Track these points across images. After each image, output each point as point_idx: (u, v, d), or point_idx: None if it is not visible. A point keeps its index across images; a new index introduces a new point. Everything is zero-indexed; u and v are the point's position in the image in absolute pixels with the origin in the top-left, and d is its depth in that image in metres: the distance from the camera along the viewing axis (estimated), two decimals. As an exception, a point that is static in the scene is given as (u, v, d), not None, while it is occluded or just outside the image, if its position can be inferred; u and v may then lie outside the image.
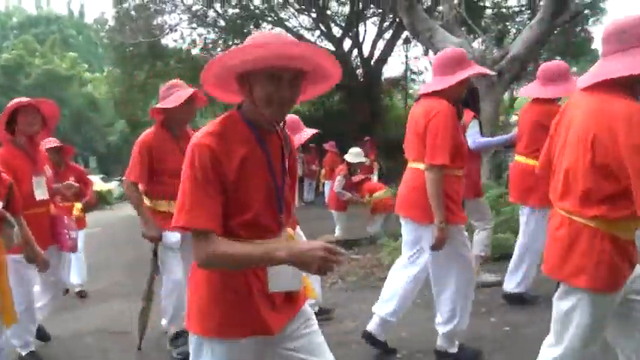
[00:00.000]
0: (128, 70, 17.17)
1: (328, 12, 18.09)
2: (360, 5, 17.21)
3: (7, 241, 2.94)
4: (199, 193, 1.61)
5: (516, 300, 4.13)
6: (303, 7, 17.68)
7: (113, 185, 26.15)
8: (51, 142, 5.09)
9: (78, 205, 5.62)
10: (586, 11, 15.73)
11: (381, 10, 16.54)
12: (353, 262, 6.56)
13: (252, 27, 17.47)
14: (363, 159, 7.99)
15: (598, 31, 20.06)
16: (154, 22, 16.60)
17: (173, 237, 3.60)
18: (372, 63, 18.13)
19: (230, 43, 17.91)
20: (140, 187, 3.64)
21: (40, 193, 3.57)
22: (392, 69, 40.36)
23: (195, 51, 17.69)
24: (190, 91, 3.51)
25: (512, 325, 3.76)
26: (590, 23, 17.14)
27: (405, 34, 15.69)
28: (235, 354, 1.74)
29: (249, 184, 1.68)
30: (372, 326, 3.39)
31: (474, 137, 4.27)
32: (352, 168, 7.75)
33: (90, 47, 44.31)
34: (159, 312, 3.95)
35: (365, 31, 18.72)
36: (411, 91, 21.02)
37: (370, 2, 15.98)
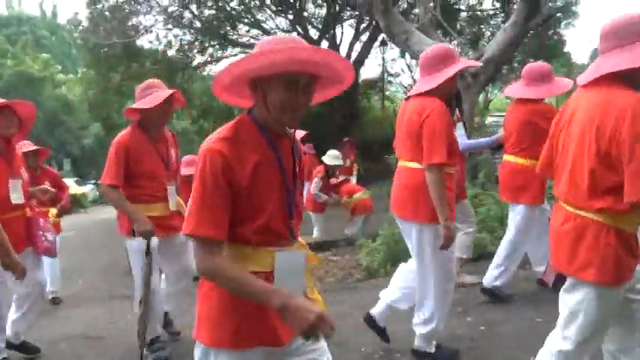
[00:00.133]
0: (103, 71, 16.92)
1: (305, 14, 18.12)
2: (337, 8, 17.26)
3: None
4: (207, 201, 1.59)
5: (492, 295, 4.16)
6: (280, 8, 17.67)
7: (88, 189, 25.81)
8: (26, 144, 4.99)
9: (53, 211, 5.52)
10: (558, 15, 16.03)
11: (357, 13, 16.61)
12: (331, 263, 6.57)
13: (228, 28, 17.39)
14: (340, 162, 8.01)
15: (570, 35, 20.39)
16: (129, 23, 16.39)
17: (151, 242, 3.50)
18: (349, 65, 18.17)
19: (206, 44, 17.81)
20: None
21: (17, 197, 3.47)
22: (369, 71, 40.67)
23: (171, 52, 17.53)
24: (169, 91, 3.45)
25: (489, 324, 3.80)
26: (563, 26, 17.47)
27: (382, 36, 15.81)
28: None
29: (262, 190, 1.66)
30: (376, 310, 3.45)
31: (461, 139, 4.31)
32: (330, 170, 7.76)
33: (63, 48, 43.65)
34: (133, 316, 3.90)
35: (342, 33, 18.86)
36: (387, 93, 21.18)
37: (346, 5, 16.03)
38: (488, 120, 14.33)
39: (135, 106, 3.47)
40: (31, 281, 3.61)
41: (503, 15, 16.32)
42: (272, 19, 18.45)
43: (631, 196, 1.92)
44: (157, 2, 16.34)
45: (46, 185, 4.45)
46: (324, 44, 18.24)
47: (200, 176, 1.61)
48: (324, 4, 17.75)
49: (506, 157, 4.18)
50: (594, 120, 2.01)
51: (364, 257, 6.11)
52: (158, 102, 3.36)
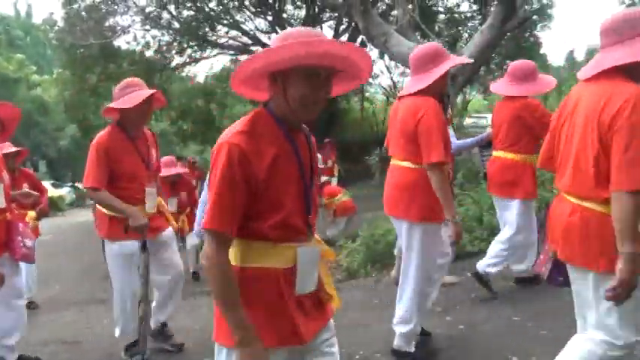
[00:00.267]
0: (79, 72, 16.66)
1: (284, 15, 18.09)
2: (316, 9, 17.28)
3: None
4: (224, 195, 1.57)
5: (480, 280, 4.22)
6: (259, 9, 17.62)
7: (64, 191, 25.41)
8: (6, 146, 4.86)
9: (31, 214, 5.41)
10: (534, 17, 16.27)
11: (336, 14, 16.65)
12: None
13: (207, 29, 17.29)
14: (320, 164, 8.02)
15: (546, 37, 20.75)
16: (106, 24, 16.19)
17: (131, 246, 3.45)
18: (328, 66, 18.20)
19: (185, 45, 17.67)
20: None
21: None
22: (348, 72, 40.70)
23: (149, 53, 17.36)
24: (149, 91, 3.38)
25: (468, 323, 3.84)
26: (539, 29, 17.72)
27: (361, 37, 15.85)
28: None
29: (280, 184, 1.64)
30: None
31: (451, 139, 4.36)
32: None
33: (38, 49, 42.93)
34: (110, 321, 3.85)
35: (321, 34, 18.81)
36: (367, 94, 21.26)
37: (325, 6, 16.06)
38: (467, 121, 14.48)
39: (114, 105, 3.39)
40: (9, 288, 3.49)
41: (480, 17, 16.50)
42: (251, 20, 18.40)
43: (622, 185, 1.94)
44: (135, 2, 16.17)
45: (25, 188, 4.35)
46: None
47: (217, 170, 1.59)
48: (304, 5, 17.75)
49: (496, 154, 4.22)
50: (596, 110, 2.04)
51: (344, 258, 6.13)
52: (138, 102, 3.29)
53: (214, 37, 18.04)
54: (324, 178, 8.27)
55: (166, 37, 17.48)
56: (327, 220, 7.89)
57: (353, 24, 15.26)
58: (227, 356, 1.68)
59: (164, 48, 17.39)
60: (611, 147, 1.99)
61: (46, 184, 20.74)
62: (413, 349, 3.27)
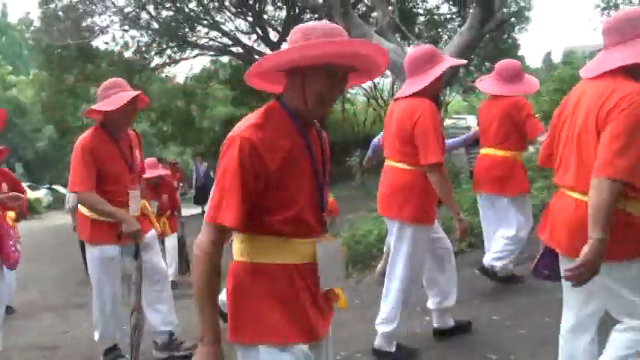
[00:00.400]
0: (56, 73, 16.44)
1: (265, 16, 18.06)
2: (297, 10, 17.28)
3: None
4: (230, 189, 1.55)
5: (488, 274, 4.27)
6: (240, 10, 17.56)
7: (42, 194, 24.99)
8: None
9: (11, 214, 5.29)
10: (512, 19, 16.50)
11: (317, 16, 16.66)
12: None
13: (187, 30, 17.17)
14: None
15: (524, 39, 21.04)
16: (84, 24, 15.99)
17: (112, 250, 3.40)
18: (309, 67, 18.23)
19: (164, 46, 17.54)
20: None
21: None
22: (329, 73, 40.82)
23: (128, 54, 17.19)
24: (133, 93, 3.31)
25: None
26: (517, 31, 18.00)
27: (342, 39, 15.87)
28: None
29: (292, 179, 1.62)
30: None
31: None
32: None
33: (14, 48, 42.16)
34: (89, 325, 3.80)
35: (302, 35, 18.82)
36: (347, 96, 21.31)
37: (306, 7, 16.06)
38: (447, 122, 14.61)
39: (97, 107, 3.31)
40: None
41: (459, 19, 16.67)
42: (231, 20, 18.33)
43: (606, 172, 1.96)
44: (113, 3, 16.00)
45: (4, 188, 4.25)
46: (284, 46, 18.23)
47: (226, 164, 1.57)
48: (284, 6, 17.73)
49: (485, 151, 4.26)
50: (596, 106, 2.08)
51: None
52: (122, 104, 3.22)
53: (194, 38, 17.93)
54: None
55: (145, 38, 17.34)
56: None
57: (333, 25, 15.26)
58: (246, 354, 1.66)
59: (143, 48, 17.25)
60: (602, 136, 2.03)
61: (23, 186, 20.42)
62: (393, 349, 3.29)
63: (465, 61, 3.90)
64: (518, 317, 3.78)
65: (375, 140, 5.08)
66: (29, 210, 19.34)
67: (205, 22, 17.47)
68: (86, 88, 16.63)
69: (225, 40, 18.10)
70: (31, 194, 22.17)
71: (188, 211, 11.76)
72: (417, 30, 17.00)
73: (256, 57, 18.24)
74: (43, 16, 15.90)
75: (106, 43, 17.51)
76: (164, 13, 16.81)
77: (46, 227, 15.76)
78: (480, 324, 3.77)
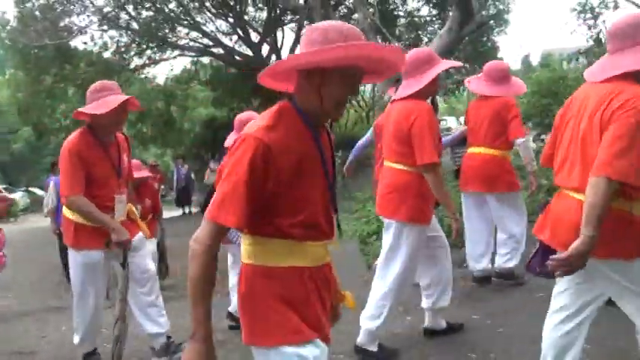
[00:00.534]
0: (33, 73, 16.14)
1: (246, 17, 18.00)
2: (278, 11, 17.26)
3: None
4: (237, 189, 1.52)
5: (509, 277, 4.37)
6: (220, 11, 17.48)
7: (18, 196, 24.55)
8: None
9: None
10: (491, 22, 16.69)
11: (298, 17, 16.67)
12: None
13: (167, 30, 17.04)
14: None
15: (502, 41, 21.30)
16: (61, 24, 15.76)
17: (96, 256, 3.35)
18: (290, 69, 18.22)
19: (144, 46, 17.37)
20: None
21: None
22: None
23: (107, 54, 16.98)
24: (124, 97, 3.25)
25: (428, 322, 3.88)
26: (495, 34, 18.20)
27: (323, 40, 15.90)
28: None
29: (304, 181, 1.60)
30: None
31: None
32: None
33: (-11, 49, 41.40)
34: (67, 329, 3.74)
35: (283, 36, 18.83)
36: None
37: (287, 9, 16.06)
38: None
39: (86, 110, 3.25)
40: None
41: (439, 22, 16.81)
42: (212, 21, 18.25)
43: (605, 172, 2.00)
44: (92, 2, 15.81)
45: None
46: (265, 48, 18.21)
47: (235, 163, 1.54)
48: (265, 7, 17.70)
49: (475, 150, 4.32)
50: (600, 109, 2.11)
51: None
52: (111, 107, 3.16)
53: (174, 39, 17.80)
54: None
55: (125, 38, 17.15)
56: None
57: (314, 27, 15.30)
58: (265, 357, 1.64)
59: (122, 49, 17.06)
60: (604, 136, 2.06)
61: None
62: (375, 349, 3.30)
63: (460, 64, 4.01)
64: (498, 316, 3.82)
65: (359, 143, 5.10)
66: (6, 213, 19.05)
67: (186, 22, 17.36)
68: (64, 89, 16.38)
69: (205, 40, 18.00)
70: (7, 197, 21.80)
71: (169, 213, 11.67)
72: (397, 32, 17.10)
73: (237, 58, 18.21)
74: (20, 16, 15.62)
75: (85, 43, 17.29)
76: (144, 14, 16.65)
77: (23, 230, 15.49)
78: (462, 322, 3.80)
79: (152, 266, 3.62)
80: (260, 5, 18.15)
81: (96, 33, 16.63)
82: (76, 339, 3.56)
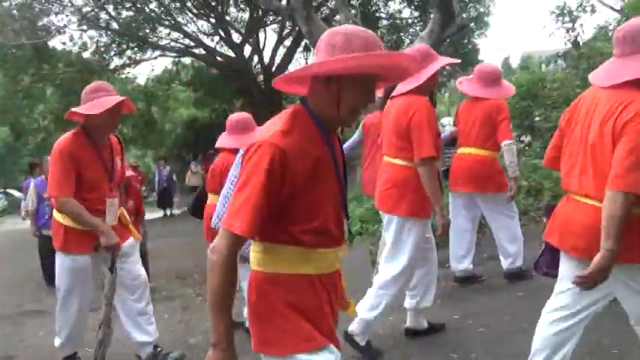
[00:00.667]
0: (11, 73, 15.86)
1: (227, 18, 17.92)
2: (260, 12, 17.22)
3: None
4: (253, 197, 1.49)
5: (519, 276, 4.42)
6: (202, 12, 17.38)
7: (-5, 198, 24.15)
8: None
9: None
10: (472, 25, 16.85)
11: (280, 18, 16.66)
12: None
13: (147, 31, 16.89)
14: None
15: (483, 44, 21.54)
16: (40, 23, 15.51)
17: (84, 260, 3.30)
18: (273, 70, 18.19)
19: (124, 46, 17.19)
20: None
21: None
22: (293, 76, 41.01)
23: (86, 54, 16.77)
24: (118, 98, 3.21)
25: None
26: (476, 36, 18.38)
27: (305, 41, 15.93)
28: None
29: (319, 187, 1.58)
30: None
31: None
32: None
33: (-35, 48, 40.66)
34: (46, 333, 3.69)
35: (265, 37, 18.77)
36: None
37: (269, 10, 16.03)
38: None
39: (80, 110, 3.21)
40: None
41: (421, 24, 16.91)
42: (193, 22, 18.12)
43: (619, 186, 2.02)
44: (70, 2, 15.59)
45: None
46: (247, 49, 18.16)
47: (251, 170, 1.51)
48: (247, 8, 17.64)
49: (466, 150, 4.37)
50: (612, 118, 2.11)
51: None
52: (105, 108, 3.12)
53: (155, 39, 17.64)
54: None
55: (104, 38, 16.94)
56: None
57: (297, 27, 15.31)
58: None
59: (102, 49, 16.85)
60: (616, 148, 2.07)
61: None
62: (363, 343, 3.30)
63: (458, 61, 4.09)
64: (479, 316, 3.85)
65: (347, 145, 5.10)
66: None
67: (167, 23, 17.21)
68: (42, 89, 16.15)
69: (187, 41, 17.87)
70: (-17, 199, 21.42)
71: (150, 215, 11.56)
72: (379, 33, 17.15)
73: (218, 59, 18.12)
74: (-3, 15, 15.37)
75: (63, 43, 17.03)
76: (124, 13, 16.47)
77: (0, 232, 15.22)
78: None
79: (143, 272, 3.55)
80: (242, 6, 18.08)
81: (75, 33, 16.41)
82: (57, 342, 3.51)
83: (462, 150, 4.42)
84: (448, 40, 12.40)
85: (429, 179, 3.14)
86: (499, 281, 4.55)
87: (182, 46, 18.01)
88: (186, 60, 19.76)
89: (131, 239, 3.50)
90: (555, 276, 2.45)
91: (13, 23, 14.87)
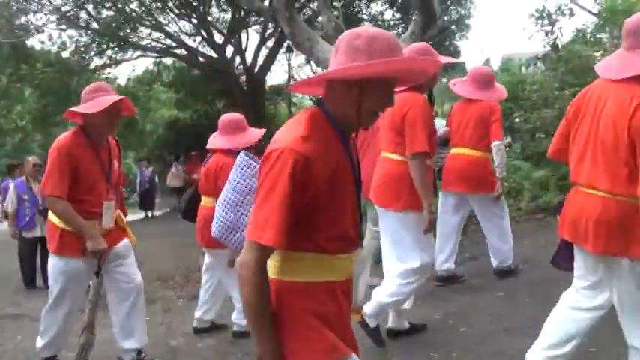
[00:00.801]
0: (-13, 73, 15.65)
1: (209, 18, 17.83)
2: (242, 13, 17.16)
3: None
4: (279, 208, 1.45)
5: (509, 273, 4.53)
6: (184, 12, 17.27)
7: (-29, 199, 23.70)
8: None
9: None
10: (453, 27, 17.00)
11: (262, 19, 16.62)
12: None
13: (128, 31, 16.73)
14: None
15: (464, 46, 21.74)
16: (17, 22, 15.28)
17: (78, 263, 3.24)
18: (255, 70, 18.14)
19: (105, 46, 17.01)
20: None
21: None
22: (275, 77, 40.92)
23: (66, 54, 16.55)
24: (116, 97, 3.16)
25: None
26: (458, 38, 18.56)
27: (288, 42, 15.92)
28: None
29: (340, 192, 1.56)
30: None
31: None
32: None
33: (-59, 47, 39.88)
34: (25, 336, 3.63)
35: (247, 38, 18.71)
36: (294, 99, 21.34)
37: (251, 10, 15.99)
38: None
39: (78, 109, 3.17)
40: None
41: (403, 26, 17.02)
42: (175, 22, 17.99)
43: None
44: (49, 1, 15.38)
45: None
46: (230, 49, 18.09)
47: (274, 179, 1.46)
48: (229, 8, 17.57)
49: (459, 151, 4.43)
50: (627, 113, 2.12)
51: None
52: (104, 107, 3.08)
53: (136, 39, 17.48)
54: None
55: (84, 38, 16.75)
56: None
57: (280, 28, 15.30)
58: None
59: (82, 49, 16.64)
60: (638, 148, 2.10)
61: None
62: (374, 325, 3.37)
63: (457, 60, 4.17)
64: (460, 316, 3.89)
65: None
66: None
67: (148, 23, 17.06)
68: (20, 89, 15.91)
69: (168, 41, 17.73)
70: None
71: (132, 216, 11.43)
72: (361, 35, 17.18)
73: (200, 59, 18.02)
74: (-27, 13, 15.11)
75: (42, 42, 16.81)
76: (104, 13, 16.30)
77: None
78: (422, 323, 3.85)
79: (139, 275, 3.50)
80: (224, 6, 18.01)
81: (54, 32, 16.19)
82: (40, 342, 3.46)
83: (455, 150, 4.47)
84: (429, 42, 12.48)
85: (419, 174, 3.18)
86: (480, 281, 4.59)
87: (163, 47, 17.87)
88: (168, 60, 19.63)
89: (126, 241, 3.46)
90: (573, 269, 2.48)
91: (-10, 22, 14.64)
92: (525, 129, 7.58)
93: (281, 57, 18.93)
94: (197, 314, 4.24)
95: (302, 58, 18.92)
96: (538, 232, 5.80)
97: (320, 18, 10.80)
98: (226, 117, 3.93)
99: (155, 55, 18.30)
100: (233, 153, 3.74)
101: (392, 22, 18.46)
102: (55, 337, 3.42)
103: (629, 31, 2.22)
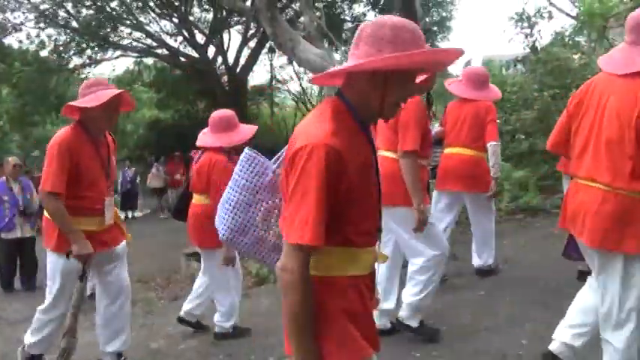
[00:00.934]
0: (-36, 72, 15.37)
1: (191, 18, 17.74)
2: (224, 13, 17.10)
3: None
4: (317, 206, 1.40)
5: (490, 273, 4.58)
6: (165, 12, 17.15)
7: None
8: None
9: None
10: (435, 29, 17.15)
11: (244, 19, 16.58)
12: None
13: (109, 30, 16.56)
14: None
15: (445, 47, 21.99)
16: (-5, 20, 15.06)
17: (78, 264, 3.17)
18: (237, 70, 18.09)
19: (84, 45, 16.82)
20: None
21: None
22: (258, 77, 40.82)
23: (44, 53, 16.33)
24: (114, 91, 3.11)
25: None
26: (439, 40, 18.70)
27: (270, 43, 15.89)
28: None
29: (366, 185, 1.53)
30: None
31: None
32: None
33: None
34: (6, 339, 3.57)
35: (229, 38, 18.67)
36: (276, 100, 21.34)
37: (233, 10, 15.93)
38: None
39: (77, 103, 3.11)
40: None
41: (385, 27, 17.07)
42: (156, 22, 17.87)
43: None
44: (28, -1, 15.18)
45: None
46: (211, 49, 18.01)
47: (308, 176, 1.41)
48: (211, 8, 17.50)
49: (454, 150, 4.43)
50: (632, 109, 2.13)
51: (253, 265, 6.09)
52: (103, 101, 3.03)
53: (116, 38, 17.32)
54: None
55: (63, 37, 16.55)
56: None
57: (262, 29, 15.27)
58: None
59: (61, 48, 16.44)
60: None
61: None
62: (416, 325, 3.40)
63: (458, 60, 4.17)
64: (441, 315, 3.91)
65: None
66: None
67: (128, 22, 16.92)
68: (-2, 88, 15.69)
69: (149, 41, 17.61)
70: None
71: (111, 217, 11.30)
72: (344, 36, 17.27)
73: (182, 59, 17.91)
74: (-51, 12, 14.84)
75: (20, 41, 16.56)
76: (84, 12, 16.12)
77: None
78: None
79: (128, 279, 3.46)
80: (206, 6, 17.93)
81: (32, 30, 16.00)
82: (30, 339, 3.38)
83: (450, 149, 4.50)
84: (411, 43, 12.54)
85: (409, 173, 3.19)
86: (461, 281, 4.63)
87: (144, 46, 17.74)
88: (149, 60, 19.49)
89: (124, 243, 3.43)
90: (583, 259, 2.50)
91: (-33, 20, 14.40)
92: (505, 130, 7.68)
93: (263, 57, 18.94)
94: (186, 307, 4.15)
95: (284, 58, 18.91)
96: (518, 232, 5.86)
97: (302, 18, 10.81)
98: (217, 114, 3.87)
99: (136, 54, 18.16)
100: (225, 150, 3.73)
101: (374, 24, 18.56)
102: (47, 337, 3.36)
103: (633, 27, 2.25)
